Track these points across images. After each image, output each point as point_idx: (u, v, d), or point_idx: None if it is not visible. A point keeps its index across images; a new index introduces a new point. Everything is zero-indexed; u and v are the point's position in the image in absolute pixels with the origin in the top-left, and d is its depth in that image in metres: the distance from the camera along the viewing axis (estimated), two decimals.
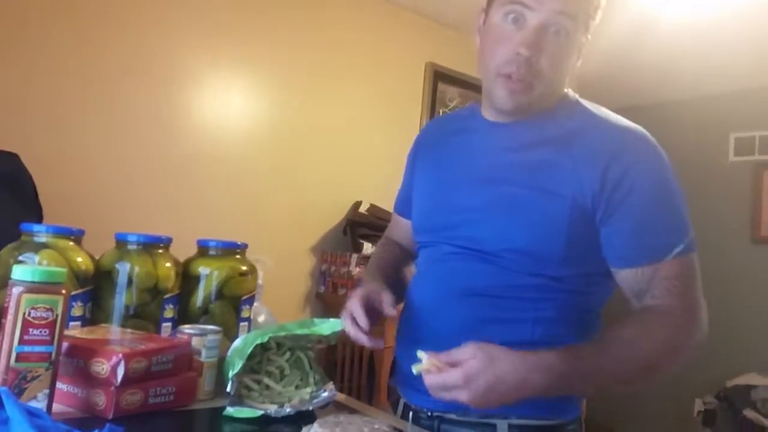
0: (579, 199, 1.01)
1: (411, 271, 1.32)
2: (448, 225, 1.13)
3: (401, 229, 1.38)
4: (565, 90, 1.12)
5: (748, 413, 3.57)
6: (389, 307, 1.06)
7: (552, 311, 1.06)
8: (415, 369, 0.91)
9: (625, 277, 1.03)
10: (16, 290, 0.85)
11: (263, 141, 3.08)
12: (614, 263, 1.03)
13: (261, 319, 1.78)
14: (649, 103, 4.71)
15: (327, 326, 1.12)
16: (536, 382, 0.88)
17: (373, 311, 1.07)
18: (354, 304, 1.06)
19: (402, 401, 1.23)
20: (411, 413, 1.17)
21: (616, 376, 0.96)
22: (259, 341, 1.07)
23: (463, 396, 0.86)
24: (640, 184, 0.99)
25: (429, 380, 0.88)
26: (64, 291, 0.89)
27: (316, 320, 1.13)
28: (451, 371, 0.87)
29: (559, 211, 1.01)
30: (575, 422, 1.12)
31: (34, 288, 0.86)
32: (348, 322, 1.06)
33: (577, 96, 1.14)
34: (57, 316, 0.88)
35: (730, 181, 4.28)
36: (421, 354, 0.91)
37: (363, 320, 1.04)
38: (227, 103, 2.97)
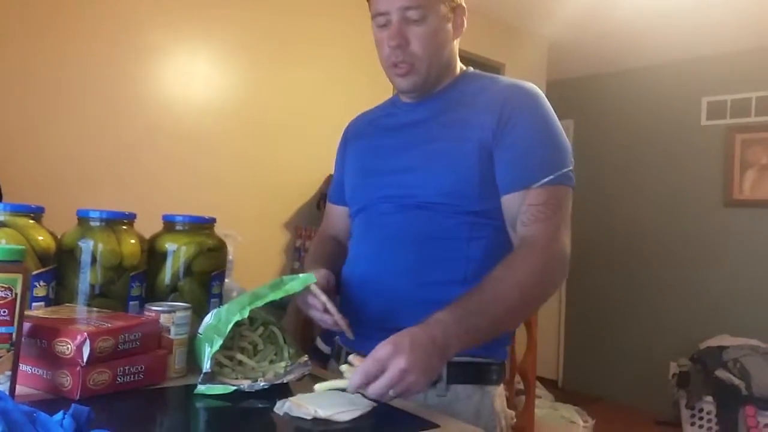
0: (483, 139, 1.18)
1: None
2: (384, 185, 1.27)
3: (336, 217, 1.49)
4: (465, 67, 1.33)
5: (720, 373, 3.64)
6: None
7: (480, 250, 1.19)
8: (344, 368, 0.96)
9: (505, 204, 1.18)
10: None
11: (231, 114, 3.02)
12: (500, 191, 1.18)
13: (234, 295, 1.74)
14: (621, 69, 4.72)
15: (298, 283, 1.08)
16: (439, 334, 0.97)
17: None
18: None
19: (344, 351, 1.25)
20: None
21: (501, 309, 1.06)
22: (238, 317, 1.03)
23: (386, 380, 0.90)
24: (522, 122, 1.18)
25: (353, 378, 0.92)
26: (23, 269, 0.85)
27: (284, 278, 1.10)
28: (366, 361, 0.93)
29: (469, 152, 1.18)
30: (499, 364, 1.25)
31: None
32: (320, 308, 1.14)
33: (475, 70, 1.34)
34: (16, 295, 0.84)
35: (702, 145, 4.32)
36: (349, 361, 0.97)
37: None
38: (192, 75, 2.89)
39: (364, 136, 1.40)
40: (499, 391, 1.24)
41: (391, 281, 1.20)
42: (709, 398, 3.66)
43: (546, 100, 1.23)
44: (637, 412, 4.23)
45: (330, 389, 0.96)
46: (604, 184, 4.90)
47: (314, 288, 1.12)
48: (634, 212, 4.64)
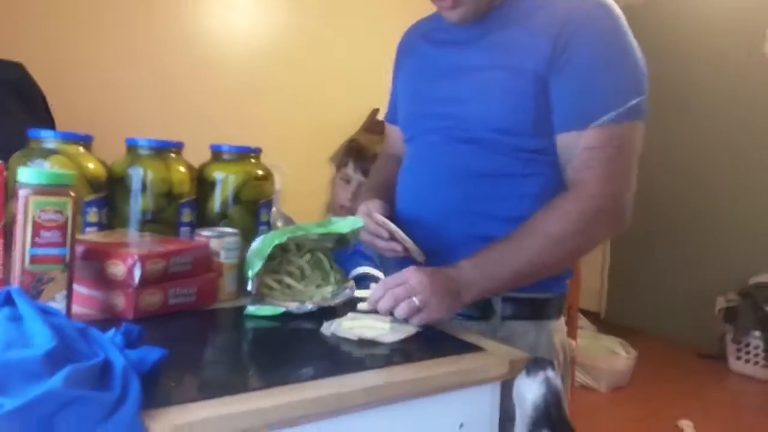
0: (538, 69, 1.05)
1: None
2: (433, 115, 1.18)
3: (395, 137, 1.39)
4: None
5: None
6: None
7: (537, 187, 1.10)
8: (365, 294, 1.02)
9: (559, 143, 1.07)
10: (23, 193, 0.83)
11: (275, 49, 3.00)
12: (554, 128, 1.07)
13: (280, 224, 1.76)
14: None
15: (345, 224, 1.10)
16: (455, 277, 1.00)
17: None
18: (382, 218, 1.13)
19: None
20: None
21: (524, 260, 1.03)
22: (277, 241, 1.06)
23: (405, 287, 0.95)
24: (582, 47, 1.03)
25: (376, 289, 0.99)
26: (72, 193, 0.87)
27: (333, 219, 1.11)
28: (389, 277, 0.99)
29: (523, 85, 1.06)
30: (559, 298, 1.20)
31: (41, 190, 0.84)
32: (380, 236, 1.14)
33: None
34: (67, 218, 0.86)
35: (763, 74, 4.12)
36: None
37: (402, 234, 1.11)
38: (237, 11, 2.88)
39: (415, 53, 1.28)
40: (557, 326, 1.19)
41: (437, 220, 1.15)
42: (757, 333, 3.61)
43: (617, 14, 1.06)
44: (680, 345, 4.21)
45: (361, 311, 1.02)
46: (655, 112, 4.74)
47: (378, 217, 1.13)
48: (686, 142, 4.49)
